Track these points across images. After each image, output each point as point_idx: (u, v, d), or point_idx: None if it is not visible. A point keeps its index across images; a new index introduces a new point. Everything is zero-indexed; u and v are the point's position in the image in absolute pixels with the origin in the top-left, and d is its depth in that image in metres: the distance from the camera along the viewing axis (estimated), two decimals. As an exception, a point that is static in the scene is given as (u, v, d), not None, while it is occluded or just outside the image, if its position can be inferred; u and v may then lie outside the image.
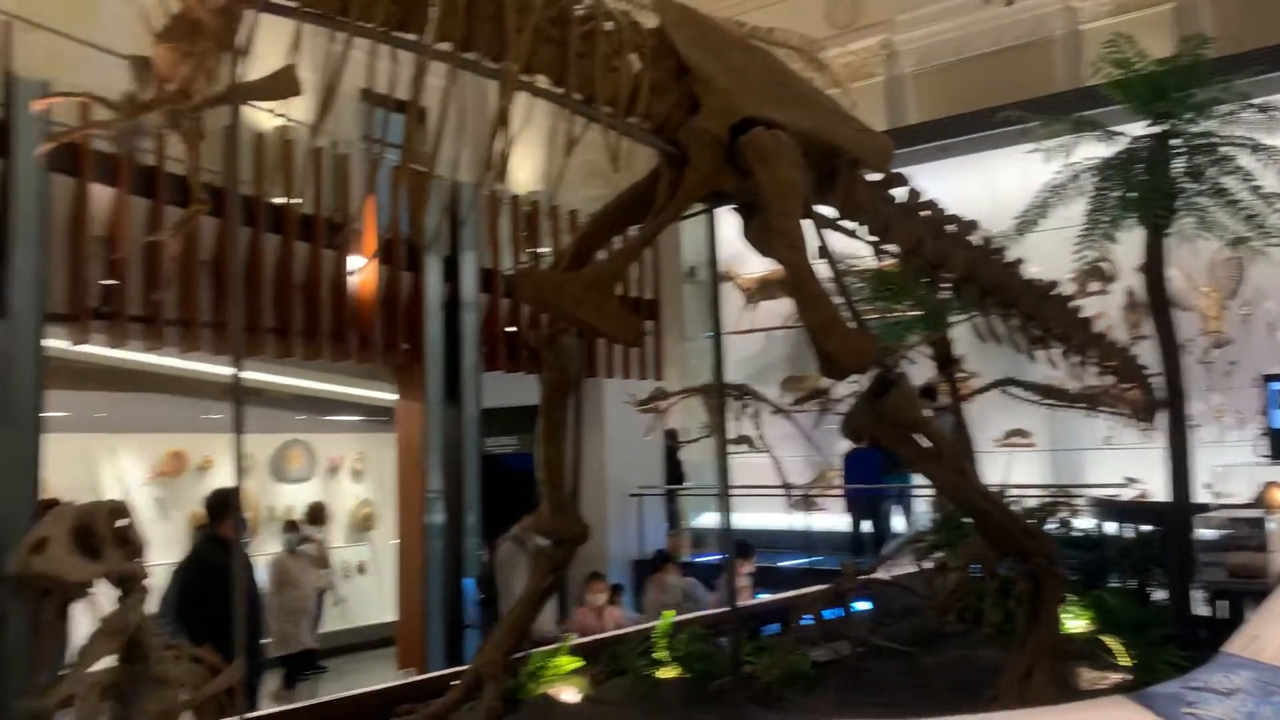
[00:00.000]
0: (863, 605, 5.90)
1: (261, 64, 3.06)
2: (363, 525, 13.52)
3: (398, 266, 9.86)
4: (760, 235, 3.70)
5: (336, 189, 9.50)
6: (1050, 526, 6.23)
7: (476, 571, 10.07)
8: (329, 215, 9.34)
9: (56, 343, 7.39)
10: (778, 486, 11.94)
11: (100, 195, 7.60)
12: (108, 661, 2.63)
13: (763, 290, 13.65)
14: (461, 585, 10.04)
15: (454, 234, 10.34)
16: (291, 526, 10.30)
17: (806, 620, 5.26)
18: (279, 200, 9.00)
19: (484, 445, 10.80)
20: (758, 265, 12.94)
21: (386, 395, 11.24)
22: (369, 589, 12.56)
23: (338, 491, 13.33)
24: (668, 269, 13.77)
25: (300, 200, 9.15)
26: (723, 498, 4.42)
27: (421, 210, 8.61)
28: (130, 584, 2.50)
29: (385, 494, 12.92)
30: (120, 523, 2.51)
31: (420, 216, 8.96)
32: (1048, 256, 6.03)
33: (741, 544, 9.51)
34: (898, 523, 11.98)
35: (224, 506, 6.10)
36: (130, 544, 2.51)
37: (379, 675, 9.97)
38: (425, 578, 9.92)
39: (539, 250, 11.49)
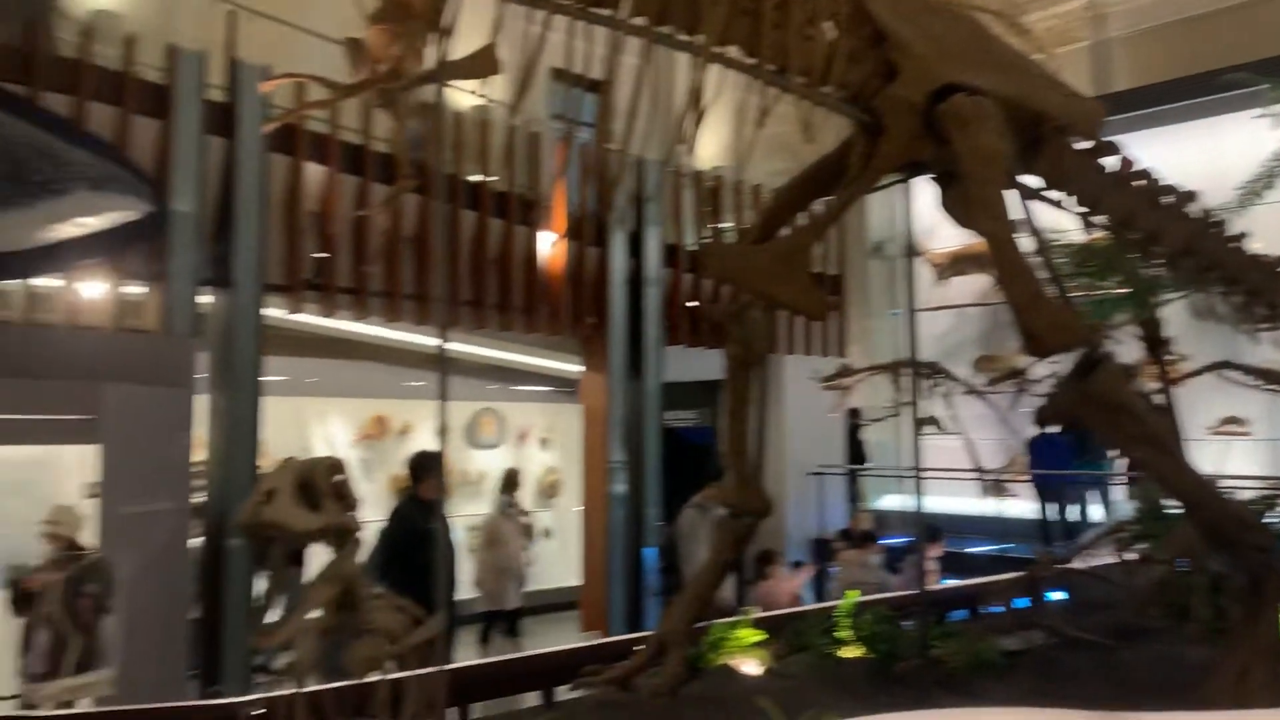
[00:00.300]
0: (1057, 595, 5.66)
1: (460, 44, 3.18)
2: (549, 492, 13.94)
3: (585, 242, 10.08)
4: (960, 206, 3.58)
5: (529, 166, 9.77)
6: (1270, 520, 5.78)
7: (657, 541, 10.23)
8: (521, 192, 9.63)
9: (274, 312, 7.94)
10: (968, 470, 11.57)
11: (313, 173, 8.09)
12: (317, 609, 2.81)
13: (954, 265, 13.17)
14: (642, 554, 10.22)
15: (639, 210, 10.48)
16: (507, 489, 10.68)
17: (996, 608, 5.09)
18: (475, 178, 9.33)
19: (664, 418, 10.93)
20: (949, 239, 12.52)
21: (573, 367, 11.52)
22: (554, 554, 12.93)
23: (526, 459, 13.77)
24: (852, 244, 13.50)
25: (495, 178, 9.46)
26: (914, 479, 4.32)
27: (611, 188, 8.77)
28: (345, 536, 2.67)
29: (570, 463, 13.27)
30: (337, 478, 2.69)
31: (609, 194, 9.14)
32: (1276, 230, 5.57)
33: (929, 527, 9.28)
34: (1094, 511, 11.41)
35: (425, 468, 6.41)
36: (346, 498, 2.68)
37: (563, 637, 10.29)
38: (608, 545, 10.17)
39: (722, 225, 11.49)
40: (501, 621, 9.92)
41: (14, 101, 6.33)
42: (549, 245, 9.69)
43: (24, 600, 6.08)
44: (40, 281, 6.79)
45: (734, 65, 3.38)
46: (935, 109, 3.50)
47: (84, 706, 5.60)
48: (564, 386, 12.87)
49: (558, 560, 12.50)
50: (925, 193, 3.88)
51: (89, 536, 6.25)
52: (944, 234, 11.90)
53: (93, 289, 6.98)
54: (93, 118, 6.92)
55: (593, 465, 10.62)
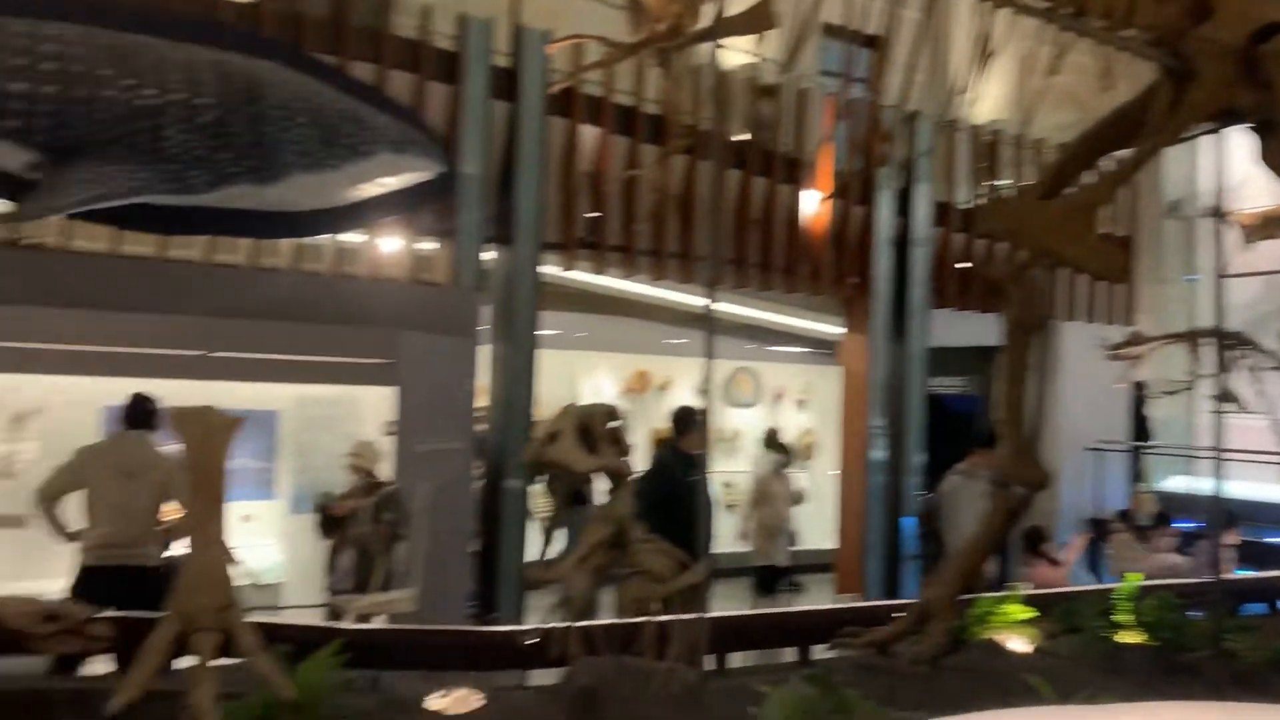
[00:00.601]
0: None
1: (735, 1, 3.18)
2: (804, 454, 13.90)
3: (850, 200, 9.87)
4: (1283, 159, 3.24)
5: (795, 124, 9.66)
6: None
7: (917, 510, 9.97)
8: (787, 150, 9.54)
9: (550, 268, 8.33)
10: (1273, 452, 10.49)
11: (588, 135, 8.37)
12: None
13: (1266, 227, 11.89)
14: (900, 522, 10.00)
15: (909, 167, 10.14)
16: (780, 449, 10.73)
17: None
18: (741, 137, 9.33)
19: (929, 384, 10.59)
20: (1258, 198, 11.31)
21: (831, 328, 11.37)
22: (810, 516, 12.92)
23: (781, 419, 13.80)
24: (1146, 202, 12.46)
25: (761, 136, 9.42)
26: (1211, 460, 3.98)
27: (881, 144, 8.55)
28: (618, 478, 2.80)
29: (827, 425, 13.16)
30: (613, 424, 2.82)
31: (880, 151, 8.90)
32: None
33: (1226, 512, 8.52)
34: None
35: (687, 423, 6.57)
36: (620, 443, 2.82)
37: (818, 598, 10.29)
38: (865, 510, 10.02)
39: (999, 183, 10.91)
40: (778, 578, 10.02)
41: (326, 71, 6.94)
42: (813, 204, 9.57)
43: (331, 524, 6.80)
44: (346, 236, 7.44)
45: (1026, 10, 3.20)
46: (1256, 50, 3.17)
47: (380, 623, 6.19)
48: (822, 348, 12.73)
49: (813, 522, 12.48)
50: (1235, 145, 3.53)
51: (386, 470, 6.88)
52: (1254, 191, 10.77)
53: (390, 244, 7.58)
54: (392, 84, 7.47)
55: (851, 429, 10.47)
